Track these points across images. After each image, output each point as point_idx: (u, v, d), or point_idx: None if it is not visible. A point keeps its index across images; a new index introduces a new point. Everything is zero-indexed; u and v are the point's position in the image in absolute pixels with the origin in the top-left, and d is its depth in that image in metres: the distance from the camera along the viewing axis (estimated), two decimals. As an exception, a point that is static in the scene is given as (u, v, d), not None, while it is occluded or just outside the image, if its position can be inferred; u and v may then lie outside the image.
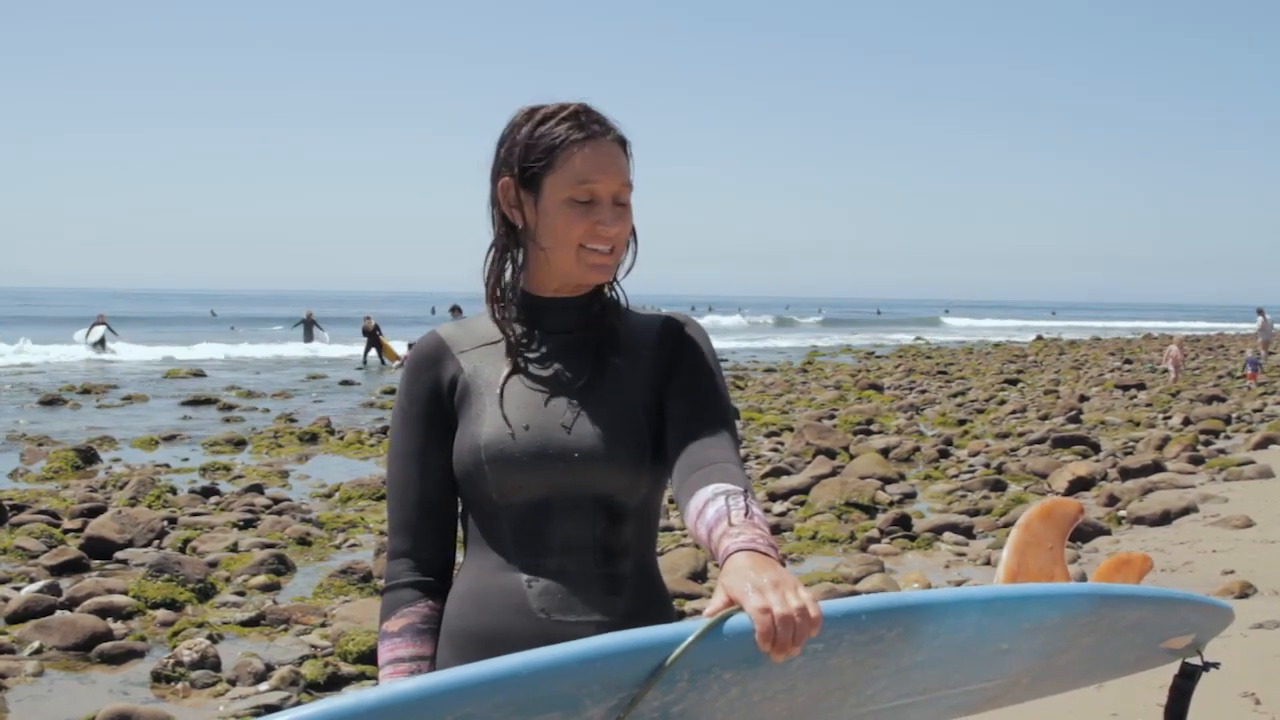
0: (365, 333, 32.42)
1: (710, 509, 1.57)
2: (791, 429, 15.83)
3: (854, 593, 7.15)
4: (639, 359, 1.82)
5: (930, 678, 1.58)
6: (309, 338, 41.26)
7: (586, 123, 1.77)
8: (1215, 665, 1.99)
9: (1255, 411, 18.75)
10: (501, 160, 1.81)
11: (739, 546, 1.46)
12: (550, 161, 1.75)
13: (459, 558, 1.87)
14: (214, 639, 6.46)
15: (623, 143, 1.80)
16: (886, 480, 11.65)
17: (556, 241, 1.77)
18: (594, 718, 1.31)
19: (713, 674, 1.35)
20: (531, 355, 1.83)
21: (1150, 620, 1.84)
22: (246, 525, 9.77)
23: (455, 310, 21.95)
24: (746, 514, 1.54)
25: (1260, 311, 32.12)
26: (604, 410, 1.77)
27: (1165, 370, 25.71)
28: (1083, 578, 6.58)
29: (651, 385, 1.81)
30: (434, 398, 1.82)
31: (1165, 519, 9.50)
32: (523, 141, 1.78)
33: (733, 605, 1.35)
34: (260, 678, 5.85)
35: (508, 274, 1.85)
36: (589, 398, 1.78)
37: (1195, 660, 1.99)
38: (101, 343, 35.60)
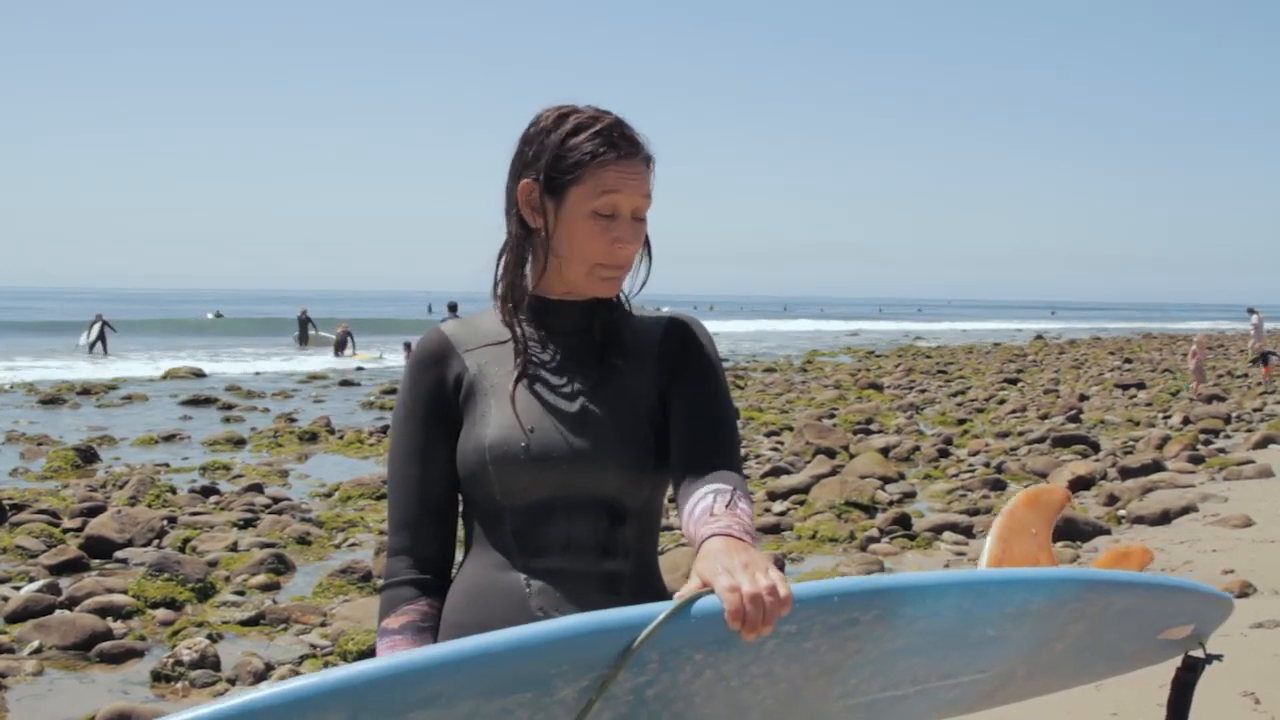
0: (338, 336, 35.45)
1: (699, 506, 1.58)
2: (791, 428, 15.83)
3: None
4: (643, 360, 1.83)
5: (917, 666, 1.57)
6: (304, 337, 41.27)
7: (619, 140, 1.76)
8: (1218, 657, 1.96)
9: (1255, 411, 18.74)
10: (527, 161, 1.79)
11: (713, 532, 1.48)
12: (579, 175, 1.74)
13: (459, 555, 1.87)
14: (214, 638, 6.46)
15: (648, 160, 1.80)
16: (886, 480, 11.65)
17: (573, 253, 1.77)
18: (566, 698, 1.31)
19: (683, 655, 1.34)
20: (536, 356, 1.82)
21: (1143, 608, 1.82)
22: (246, 525, 9.77)
23: (452, 308, 21.92)
24: (730, 505, 1.55)
25: (1252, 310, 32.13)
26: (608, 412, 1.77)
27: (1186, 373, 24.97)
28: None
29: (655, 386, 1.81)
30: (438, 395, 1.82)
31: (1165, 518, 9.49)
32: (552, 148, 1.76)
33: (704, 588, 1.36)
34: (260, 677, 5.85)
35: (522, 275, 1.84)
36: (593, 399, 1.78)
37: (1197, 652, 1.97)
38: (102, 341, 35.29)
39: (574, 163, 1.74)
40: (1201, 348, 22.75)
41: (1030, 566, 1.88)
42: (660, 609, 1.32)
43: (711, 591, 1.34)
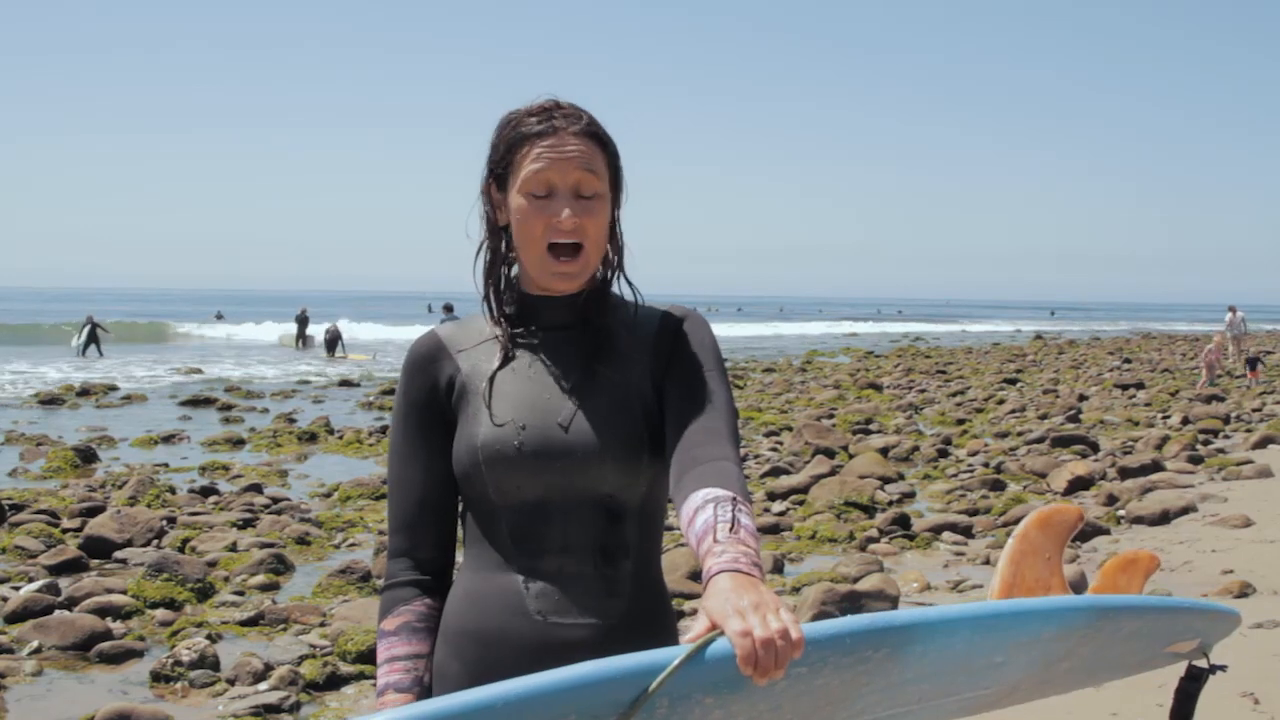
0: (327, 333, 37.18)
1: (699, 518, 1.54)
2: (790, 428, 15.83)
3: (853, 592, 7.15)
4: (637, 354, 1.80)
5: (924, 690, 1.57)
6: (301, 335, 41.30)
7: (548, 117, 1.75)
8: (1223, 668, 1.95)
9: (1254, 411, 18.74)
10: (487, 161, 1.82)
11: (721, 567, 1.43)
12: (512, 160, 1.76)
13: (459, 556, 1.86)
14: (213, 638, 6.45)
15: (597, 138, 1.77)
16: (885, 480, 11.65)
17: (523, 240, 1.77)
18: None
19: (693, 699, 1.33)
20: (527, 353, 1.81)
21: (1152, 629, 1.81)
22: (245, 525, 9.76)
23: (448, 308, 21.93)
24: (733, 527, 1.50)
25: (1232, 309, 32.12)
26: (601, 408, 1.75)
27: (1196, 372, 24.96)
28: (1082, 578, 6.57)
29: (650, 380, 1.79)
30: (431, 398, 1.81)
31: (1164, 518, 9.50)
32: (493, 142, 1.80)
33: (715, 629, 1.33)
34: (259, 677, 5.85)
35: (509, 271, 1.85)
36: (586, 396, 1.76)
37: (1201, 662, 1.96)
38: (95, 343, 34.75)
39: (508, 148, 1.76)
40: (1218, 349, 22.72)
41: (1041, 592, 1.86)
42: (671, 655, 1.30)
43: (721, 634, 1.32)
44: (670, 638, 1.77)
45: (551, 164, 1.73)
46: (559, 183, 1.73)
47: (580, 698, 1.27)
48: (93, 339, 34.68)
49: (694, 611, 6.83)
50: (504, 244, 1.82)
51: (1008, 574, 1.88)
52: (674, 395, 1.76)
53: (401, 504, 1.82)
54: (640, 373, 1.79)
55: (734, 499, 1.55)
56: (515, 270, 1.86)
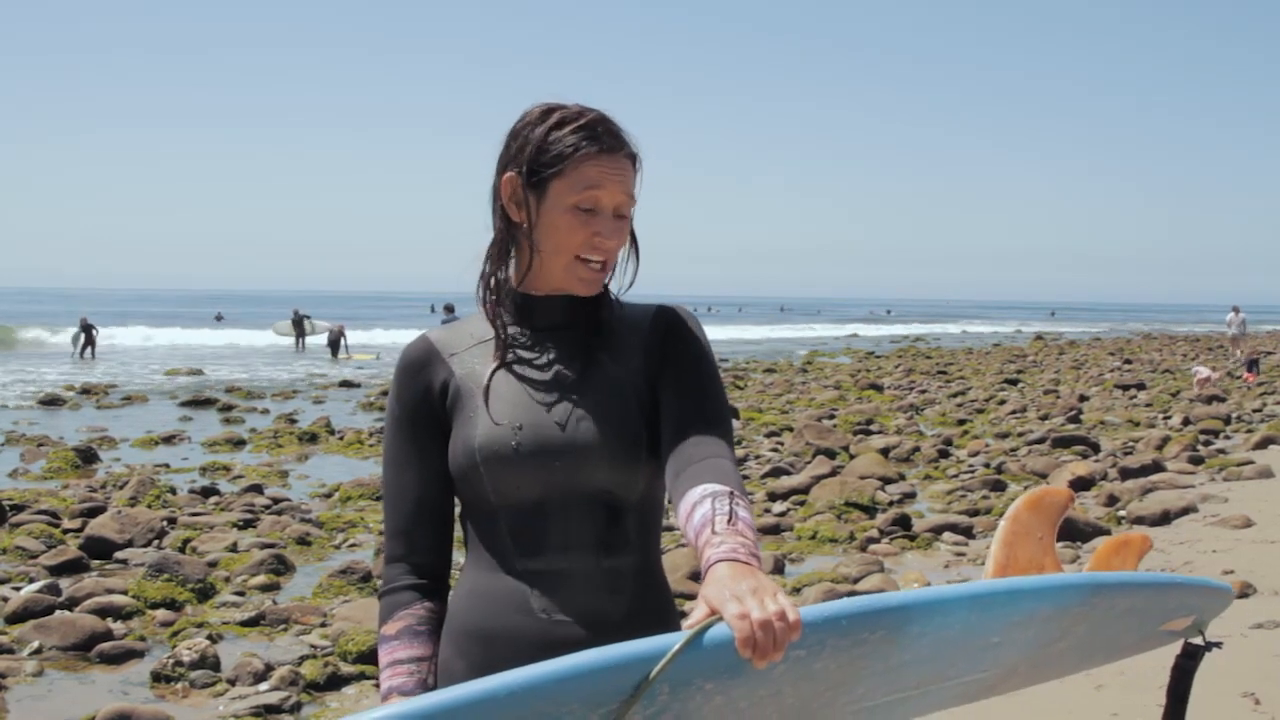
0: (330, 334, 37.49)
1: (697, 513, 1.55)
2: (791, 429, 15.83)
3: (853, 592, 7.15)
4: (631, 352, 1.81)
5: (923, 673, 1.58)
6: (300, 336, 41.27)
7: (602, 134, 1.76)
8: (1218, 644, 1.97)
9: (1255, 411, 18.74)
10: (511, 156, 1.79)
11: (720, 557, 1.44)
12: (561, 169, 1.74)
13: (459, 557, 1.86)
14: (213, 639, 6.46)
15: (633, 158, 1.79)
16: (886, 480, 11.65)
17: (554, 247, 1.76)
18: None
19: (694, 685, 1.33)
20: (522, 353, 1.82)
21: (1146, 606, 1.83)
22: (246, 525, 9.77)
23: (449, 309, 21.91)
24: (730, 520, 1.52)
25: (1235, 310, 32.16)
26: (597, 405, 1.76)
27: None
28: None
29: (644, 377, 1.80)
30: (424, 403, 1.82)
31: (1165, 519, 9.49)
32: (535, 141, 1.76)
33: (713, 615, 1.34)
34: (260, 678, 5.85)
35: (504, 270, 1.84)
36: (581, 393, 1.77)
37: (1197, 640, 1.98)
38: (90, 345, 34.31)
39: (555, 155, 1.74)
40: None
41: (1035, 572, 1.88)
42: (670, 641, 1.31)
43: (720, 619, 1.33)
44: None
45: (606, 186, 1.74)
46: (607, 203, 1.75)
47: (582, 686, 1.27)
48: (89, 342, 34.60)
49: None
50: (528, 242, 1.79)
51: (1001, 556, 1.89)
52: (668, 393, 1.77)
53: (397, 509, 1.83)
54: (634, 370, 1.80)
55: (731, 493, 1.57)
56: (515, 270, 1.85)
